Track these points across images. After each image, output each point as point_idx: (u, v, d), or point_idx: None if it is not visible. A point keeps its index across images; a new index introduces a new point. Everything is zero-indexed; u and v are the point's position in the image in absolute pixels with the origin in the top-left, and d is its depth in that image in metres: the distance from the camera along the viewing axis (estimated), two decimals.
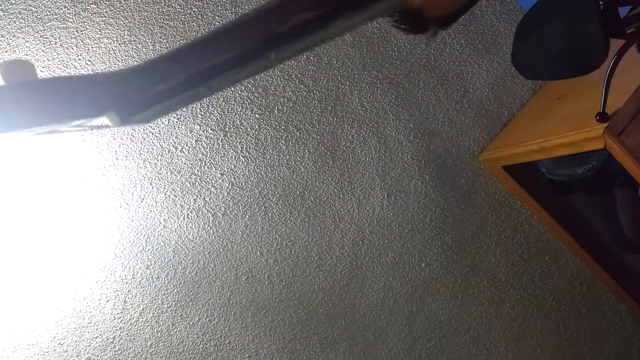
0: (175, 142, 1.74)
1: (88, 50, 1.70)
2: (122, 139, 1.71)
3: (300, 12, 0.52)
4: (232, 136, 1.77)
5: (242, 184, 1.77)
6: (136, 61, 1.72)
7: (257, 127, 1.78)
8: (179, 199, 1.73)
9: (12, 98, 0.44)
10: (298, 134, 1.80)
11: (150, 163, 1.72)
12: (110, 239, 1.70)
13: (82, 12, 1.69)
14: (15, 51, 1.64)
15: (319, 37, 0.54)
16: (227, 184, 1.76)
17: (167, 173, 1.73)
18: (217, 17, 1.77)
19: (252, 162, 1.78)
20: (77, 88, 0.47)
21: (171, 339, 1.73)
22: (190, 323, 1.74)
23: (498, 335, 1.91)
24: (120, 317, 1.70)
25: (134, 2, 1.72)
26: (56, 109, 0.45)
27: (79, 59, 1.69)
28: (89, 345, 1.68)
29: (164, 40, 1.74)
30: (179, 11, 1.74)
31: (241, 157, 1.77)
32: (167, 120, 1.73)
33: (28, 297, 1.65)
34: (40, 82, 0.46)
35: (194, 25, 1.75)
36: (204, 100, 1.75)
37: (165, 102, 0.49)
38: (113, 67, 1.71)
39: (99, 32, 1.70)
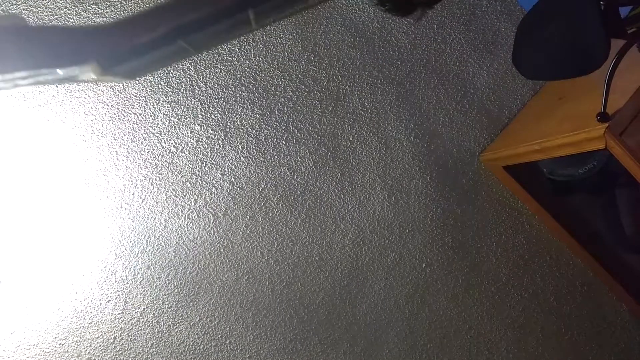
0: (176, 143, 1.74)
1: None
2: (123, 140, 1.71)
3: None
4: (232, 136, 1.77)
5: (242, 184, 1.77)
6: None
7: (257, 127, 1.78)
8: (179, 200, 1.73)
9: None
10: (299, 134, 1.80)
11: (151, 163, 1.72)
12: (111, 240, 1.70)
13: (82, 13, 1.69)
14: None
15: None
16: (227, 185, 1.76)
17: (167, 173, 1.73)
18: None
19: (252, 163, 1.78)
20: (61, 36, 0.47)
21: (172, 340, 1.73)
22: (191, 323, 1.74)
23: (499, 336, 1.91)
24: (121, 318, 1.70)
25: (134, 3, 1.72)
26: (38, 54, 0.46)
27: None
28: (90, 346, 1.69)
29: None
30: None
31: (242, 158, 1.77)
32: (168, 121, 1.73)
33: (29, 297, 1.65)
34: (24, 29, 0.46)
35: None
36: (205, 100, 1.75)
37: (147, 55, 0.50)
38: None
39: None
